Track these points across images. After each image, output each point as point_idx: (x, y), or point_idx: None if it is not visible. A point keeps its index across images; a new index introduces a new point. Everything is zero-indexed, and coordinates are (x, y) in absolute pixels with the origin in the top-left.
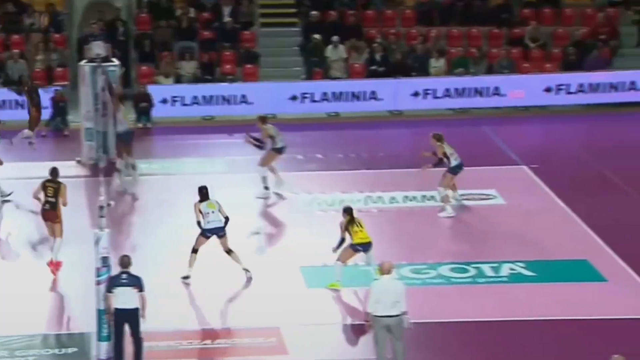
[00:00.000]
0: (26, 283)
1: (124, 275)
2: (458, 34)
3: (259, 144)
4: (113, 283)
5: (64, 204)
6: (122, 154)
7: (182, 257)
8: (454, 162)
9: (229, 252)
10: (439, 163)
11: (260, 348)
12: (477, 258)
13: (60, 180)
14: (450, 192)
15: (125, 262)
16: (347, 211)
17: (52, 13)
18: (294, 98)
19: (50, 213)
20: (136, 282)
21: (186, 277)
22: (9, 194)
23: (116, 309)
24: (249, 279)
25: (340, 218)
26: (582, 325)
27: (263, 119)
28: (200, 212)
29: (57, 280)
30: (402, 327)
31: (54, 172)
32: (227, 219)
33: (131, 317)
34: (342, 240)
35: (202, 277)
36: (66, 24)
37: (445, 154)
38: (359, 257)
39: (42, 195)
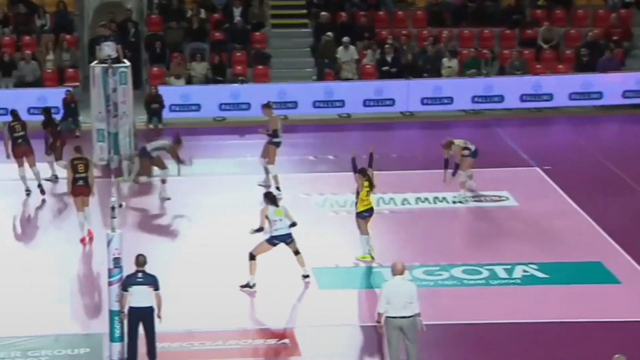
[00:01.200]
0: (38, 284)
1: (140, 274)
2: (470, 35)
3: (272, 134)
4: (129, 282)
5: (92, 177)
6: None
7: (193, 257)
8: (472, 147)
9: (296, 252)
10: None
11: (273, 349)
12: (489, 260)
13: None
14: (468, 177)
15: (140, 261)
16: (362, 172)
17: (59, 14)
18: (305, 99)
19: (85, 188)
20: (152, 281)
21: (247, 285)
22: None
23: (131, 308)
24: (306, 284)
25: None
26: (595, 328)
27: (269, 105)
28: (267, 218)
29: (92, 250)
30: (415, 329)
31: (79, 149)
32: (293, 224)
33: (146, 315)
34: (358, 193)
35: (215, 277)
36: (77, 25)
37: (460, 149)
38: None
39: (71, 175)
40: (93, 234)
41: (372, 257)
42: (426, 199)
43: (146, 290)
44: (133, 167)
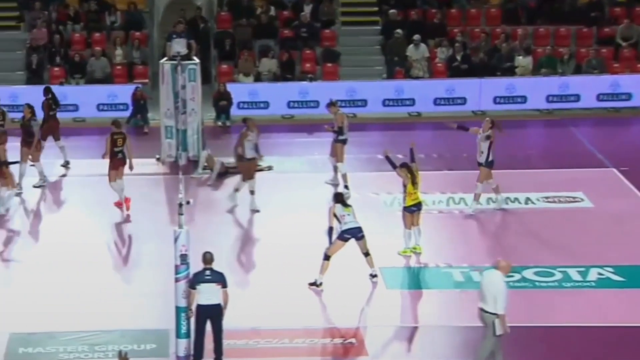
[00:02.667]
0: (106, 280)
1: (208, 272)
2: (545, 33)
3: (337, 131)
4: (197, 279)
5: (129, 150)
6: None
7: (260, 255)
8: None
9: (366, 254)
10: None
11: (339, 348)
12: (563, 262)
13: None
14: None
15: (208, 258)
16: (405, 166)
17: (129, 11)
18: (375, 97)
19: (122, 161)
20: (219, 278)
21: (314, 284)
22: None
23: (199, 305)
24: (374, 284)
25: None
26: None
27: (334, 104)
28: (336, 215)
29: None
30: (490, 327)
31: (118, 123)
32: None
33: (214, 313)
34: (405, 187)
35: (282, 275)
36: (147, 22)
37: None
38: (437, 257)
39: (109, 148)
40: (130, 203)
41: (414, 252)
42: (497, 199)
43: (214, 287)
44: (200, 161)
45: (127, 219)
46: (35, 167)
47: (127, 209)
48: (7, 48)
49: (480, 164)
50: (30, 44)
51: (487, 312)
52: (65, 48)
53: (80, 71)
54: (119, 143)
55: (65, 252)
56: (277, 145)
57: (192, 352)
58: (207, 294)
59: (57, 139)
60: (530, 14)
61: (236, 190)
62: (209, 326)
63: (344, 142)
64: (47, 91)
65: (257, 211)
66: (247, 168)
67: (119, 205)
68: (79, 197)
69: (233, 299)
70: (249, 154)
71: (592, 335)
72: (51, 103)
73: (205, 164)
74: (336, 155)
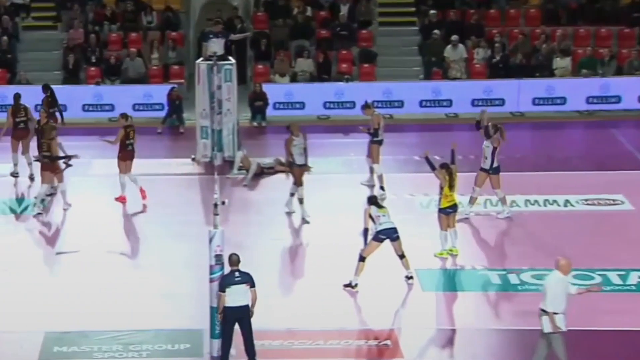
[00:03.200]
0: (139, 281)
1: (237, 273)
2: (586, 34)
3: (372, 133)
4: (227, 282)
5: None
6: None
7: (295, 255)
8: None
9: (401, 256)
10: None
11: (374, 350)
12: (602, 265)
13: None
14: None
15: (234, 259)
16: (445, 167)
17: (165, 11)
18: (412, 98)
19: (132, 153)
20: (248, 279)
21: (349, 285)
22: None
23: (228, 308)
24: (410, 286)
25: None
26: None
27: (369, 106)
28: (371, 216)
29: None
30: (544, 325)
31: (127, 116)
32: None
33: (243, 314)
34: (442, 188)
35: (316, 276)
36: (183, 23)
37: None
38: (473, 260)
39: (122, 140)
40: (146, 194)
41: (450, 254)
42: (536, 201)
43: (244, 288)
44: (235, 162)
45: (144, 209)
46: None
47: (144, 198)
48: (44, 48)
49: (485, 170)
50: (67, 44)
51: (540, 309)
52: (101, 48)
53: (116, 73)
54: (131, 136)
55: (99, 252)
56: (313, 146)
57: (220, 353)
58: (237, 295)
59: None
60: (571, 15)
61: (292, 194)
62: (237, 327)
63: (380, 143)
64: (46, 88)
65: (307, 222)
66: (298, 174)
67: (121, 200)
68: (111, 197)
69: (268, 300)
70: (299, 160)
71: (633, 339)
72: (50, 101)
73: (241, 165)
74: (372, 156)
